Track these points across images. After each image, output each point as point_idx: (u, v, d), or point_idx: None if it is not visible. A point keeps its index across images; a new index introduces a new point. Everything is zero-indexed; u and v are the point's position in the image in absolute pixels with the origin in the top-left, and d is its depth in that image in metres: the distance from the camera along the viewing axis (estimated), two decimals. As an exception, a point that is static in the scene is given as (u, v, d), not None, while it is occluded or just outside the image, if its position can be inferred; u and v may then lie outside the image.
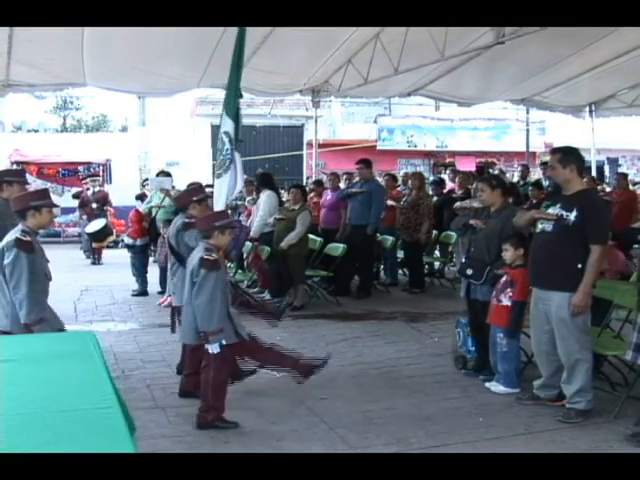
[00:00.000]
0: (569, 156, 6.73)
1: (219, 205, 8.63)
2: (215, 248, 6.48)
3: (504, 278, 7.40)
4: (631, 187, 16.71)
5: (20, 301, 5.97)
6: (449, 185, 16.78)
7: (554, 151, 6.93)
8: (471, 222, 7.99)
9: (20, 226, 6.13)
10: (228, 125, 8.73)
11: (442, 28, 10.82)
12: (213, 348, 6.23)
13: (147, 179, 17.83)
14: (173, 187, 13.45)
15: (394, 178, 15.85)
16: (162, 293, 12.44)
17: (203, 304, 6.19)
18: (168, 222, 12.12)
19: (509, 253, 7.39)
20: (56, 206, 6.68)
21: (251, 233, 12.14)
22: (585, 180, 7.09)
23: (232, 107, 8.78)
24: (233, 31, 11.05)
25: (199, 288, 6.22)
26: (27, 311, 5.99)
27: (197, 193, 8.04)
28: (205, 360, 6.47)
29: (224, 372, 6.50)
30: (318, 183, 15.60)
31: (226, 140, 8.70)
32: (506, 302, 7.30)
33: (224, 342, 6.25)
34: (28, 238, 6.09)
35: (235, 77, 9.02)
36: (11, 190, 7.52)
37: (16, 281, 5.98)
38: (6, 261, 5.94)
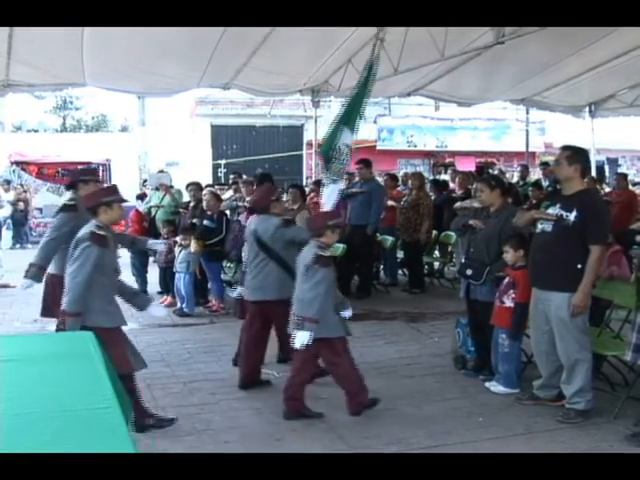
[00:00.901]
0: (577, 155, 6.75)
1: (327, 207, 9.44)
2: (326, 246, 6.85)
3: (506, 279, 7.41)
4: (631, 187, 16.70)
5: (71, 288, 6.09)
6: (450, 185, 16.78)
7: (564, 148, 6.94)
8: (470, 222, 8.00)
9: (94, 221, 6.34)
10: (349, 138, 9.37)
11: (442, 28, 10.81)
12: (302, 337, 6.52)
13: (147, 179, 17.85)
14: (172, 186, 13.44)
15: (394, 178, 15.83)
16: (162, 293, 12.44)
17: (310, 294, 6.61)
18: (168, 222, 12.15)
19: (509, 255, 7.39)
20: (126, 201, 7.06)
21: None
22: (585, 180, 7.09)
23: (353, 124, 9.48)
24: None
25: (310, 281, 6.66)
26: (71, 300, 6.09)
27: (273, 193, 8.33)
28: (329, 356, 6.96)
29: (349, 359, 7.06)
30: (318, 183, 15.58)
31: (347, 151, 9.27)
32: (509, 303, 7.31)
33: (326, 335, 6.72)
34: (103, 232, 6.31)
35: (361, 100, 9.85)
36: (87, 189, 7.87)
37: (77, 268, 6.10)
38: (80, 247, 6.14)
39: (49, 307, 7.87)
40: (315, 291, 6.61)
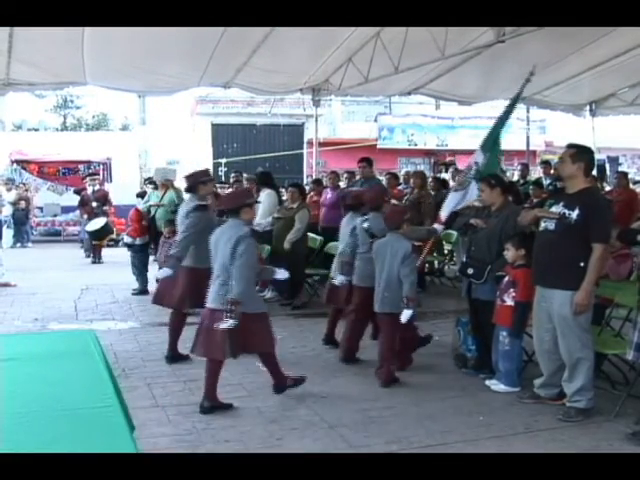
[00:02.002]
0: (582, 154, 6.75)
1: (444, 211, 9.95)
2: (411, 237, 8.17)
3: (507, 278, 7.41)
4: (631, 186, 16.69)
5: (241, 280, 6.72)
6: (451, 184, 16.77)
7: (569, 146, 6.95)
8: (471, 222, 7.99)
9: (239, 221, 6.99)
10: (480, 157, 9.81)
11: (442, 27, 10.81)
12: (408, 314, 7.65)
13: (148, 178, 17.85)
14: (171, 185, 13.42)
15: (395, 177, 15.83)
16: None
17: (412, 277, 7.75)
18: (169, 222, 12.13)
19: (510, 253, 7.39)
20: (258, 202, 7.86)
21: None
22: (588, 179, 7.09)
23: (489, 147, 9.95)
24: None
25: (410, 266, 7.77)
26: (240, 291, 6.69)
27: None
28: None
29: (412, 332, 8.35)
30: (318, 182, 15.59)
31: (474, 168, 9.75)
32: (510, 302, 7.31)
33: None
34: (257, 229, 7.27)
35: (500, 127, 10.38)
36: (206, 189, 8.76)
37: (244, 262, 6.74)
38: (241, 247, 6.72)
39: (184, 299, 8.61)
40: (414, 274, 7.84)
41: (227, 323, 6.62)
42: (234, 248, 6.74)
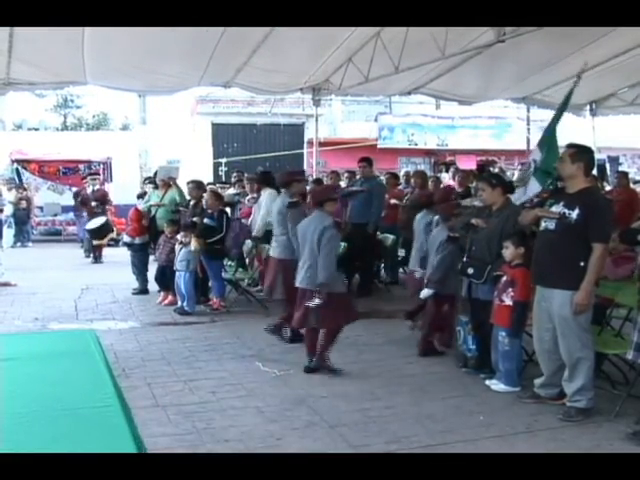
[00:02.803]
0: (581, 154, 6.77)
1: None
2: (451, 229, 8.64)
3: (505, 278, 7.41)
4: (632, 186, 16.68)
5: (328, 265, 7.85)
6: (450, 184, 16.77)
7: (569, 145, 6.96)
8: (472, 221, 7.99)
9: (323, 213, 8.09)
10: (537, 155, 10.35)
11: (442, 27, 10.81)
12: (427, 292, 8.70)
13: (148, 178, 17.83)
14: (171, 184, 13.39)
15: (395, 177, 15.86)
16: (160, 291, 12.43)
17: (444, 263, 8.50)
18: (171, 222, 12.14)
19: (509, 251, 7.39)
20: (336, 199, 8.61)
21: (254, 232, 12.13)
22: (588, 179, 7.10)
23: (547, 144, 10.36)
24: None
25: (442, 253, 8.54)
26: (326, 276, 7.82)
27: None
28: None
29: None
30: (318, 181, 15.59)
31: (532, 165, 10.31)
32: (508, 302, 7.30)
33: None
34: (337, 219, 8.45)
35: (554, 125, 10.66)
36: (299, 187, 9.62)
37: (330, 250, 7.91)
38: (326, 237, 7.85)
39: (274, 287, 9.48)
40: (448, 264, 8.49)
41: (315, 302, 7.85)
42: (320, 237, 7.85)
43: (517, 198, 9.77)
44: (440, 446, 6.03)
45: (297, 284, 8.25)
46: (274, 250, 9.66)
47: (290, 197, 9.42)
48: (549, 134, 10.47)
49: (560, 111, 10.91)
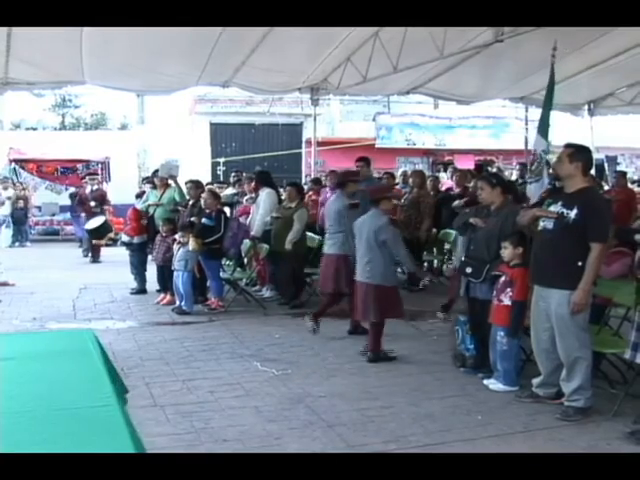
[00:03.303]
0: (579, 153, 6.77)
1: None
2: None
3: (503, 278, 7.41)
4: (629, 185, 16.71)
5: (403, 257, 8.81)
6: (448, 183, 16.81)
7: (567, 145, 6.96)
8: (471, 221, 7.99)
9: (379, 211, 8.65)
10: (540, 144, 10.60)
11: (441, 27, 10.82)
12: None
13: (146, 177, 17.82)
14: (168, 183, 13.38)
15: (392, 177, 15.90)
16: (160, 291, 12.44)
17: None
18: (167, 220, 12.13)
19: (508, 251, 7.39)
20: (397, 197, 9.23)
21: (252, 232, 12.14)
22: (586, 178, 7.11)
23: (542, 131, 10.77)
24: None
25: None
26: (410, 265, 9.21)
27: None
28: None
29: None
30: (316, 181, 15.61)
31: (541, 155, 10.46)
32: (507, 302, 7.31)
33: None
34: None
35: (548, 109, 11.22)
36: (354, 187, 10.07)
37: (397, 246, 8.56)
38: (385, 236, 8.45)
39: (336, 281, 9.89)
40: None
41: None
42: (377, 236, 8.41)
43: (534, 192, 9.99)
44: (438, 445, 6.03)
45: (357, 278, 8.79)
46: (331, 247, 10.08)
47: (348, 197, 10.00)
48: (544, 119, 10.94)
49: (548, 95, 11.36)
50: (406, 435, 6.27)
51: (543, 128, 10.69)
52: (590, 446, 6.02)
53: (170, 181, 13.28)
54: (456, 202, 12.42)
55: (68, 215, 23.84)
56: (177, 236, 11.47)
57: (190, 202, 12.35)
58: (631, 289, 6.65)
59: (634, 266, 7.42)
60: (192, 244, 11.14)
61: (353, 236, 9.05)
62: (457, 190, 14.18)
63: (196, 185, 12.55)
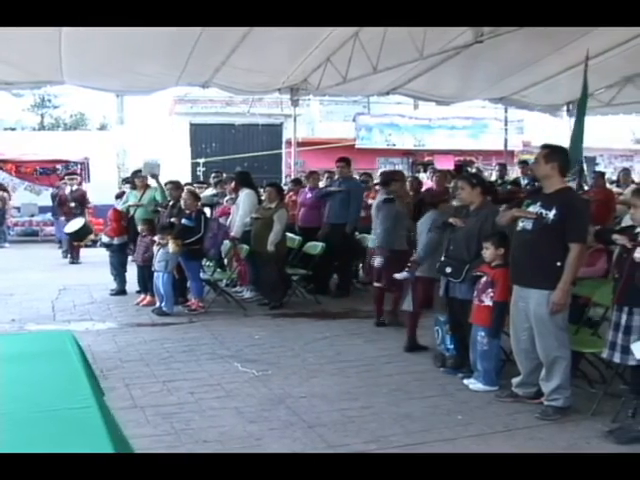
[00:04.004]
0: (555, 154, 6.79)
1: None
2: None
3: (484, 278, 7.43)
4: (608, 186, 16.76)
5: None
6: (427, 184, 16.83)
7: (543, 146, 7.01)
8: (450, 220, 8.01)
9: (437, 212, 8.91)
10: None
11: (421, 27, 10.84)
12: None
13: (126, 178, 17.76)
14: (149, 184, 13.34)
15: (370, 177, 16.04)
16: (140, 292, 12.40)
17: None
18: (146, 220, 12.08)
19: (489, 251, 7.41)
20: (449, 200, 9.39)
21: (232, 232, 12.12)
22: (564, 179, 7.15)
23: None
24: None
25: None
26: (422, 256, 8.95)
27: None
28: None
29: None
30: (296, 182, 15.61)
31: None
32: (488, 302, 7.32)
33: None
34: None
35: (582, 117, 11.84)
36: (396, 185, 10.41)
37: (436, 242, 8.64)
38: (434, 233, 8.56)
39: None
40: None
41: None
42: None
43: None
44: (419, 445, 6.04)
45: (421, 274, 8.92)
46: (374, 241, 10.72)
47: (387, 194, 10.42)
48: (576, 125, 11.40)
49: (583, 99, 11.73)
50: (387, 435, 6.28)
51: (579, 136, 11.22)
52: (569, 445, 6.05)
53: (151, 181, 13.24)
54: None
55: (48, 216, 23.74)
56: (157, 237, 11.42)
57: (170, 203, 12.31)
58: (610, 289, 6.68)
59: (611, 266, 7.46)
60: (172, 246, 11.10)
61: (390, 229, 10.05)
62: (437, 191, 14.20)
63: (176, 186, 12.51)
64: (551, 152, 6.82)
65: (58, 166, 24.36)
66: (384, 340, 9.64)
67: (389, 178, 10.68)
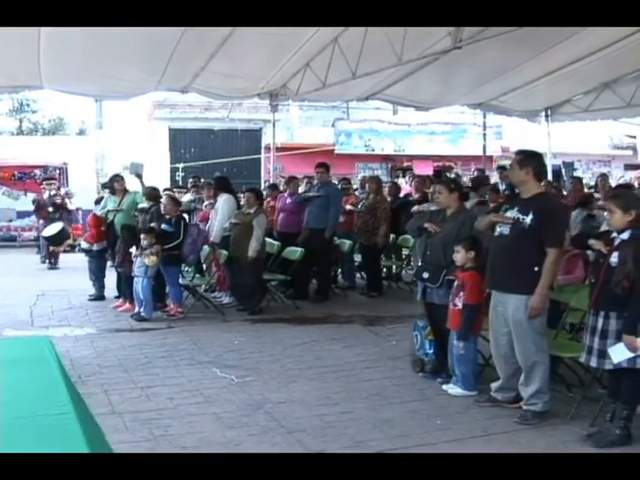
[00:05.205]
0: (529, 159, 6.83)
1: None
2: None
3: (457, 282, 7.46)
4: (586, 191, 16.85)
5: None
6: (406, 189, 16.90)
7: (517, 152, 7.06)
8: (426, 225, 8.02)
9: None
10: None
11: (400, 32, 10.87)
12: None
13: (104, 183, 17.69)
14: (128, 189, 13.30)
15: (349, 182, 16.12)
16: (119, 297, 12.36)
17: None
18: (126, 227, 12.03)
19: (460, 255, 7.44)
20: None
21: (211, 237, 12.11)
22: (543, 184, 7.18)
23: None
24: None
25: None
26: None
27: None
28: None
29: None
30: (273, 187, 15.62)
31: None
32: (461, 306, 7.35)
33: None
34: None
35: None
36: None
37: None
38: None
39: None
40: None
41: None
42: None
43: None
44: (398, 450, 6.04)
45: None
46: None
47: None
48: None
49: None
50: (366, 440, 6.28)
51: None
52: (548, 449, 6.07)
53: (133, 182, 13.23)
54: (415, 207, 12.47)
55: (26, 221, 23.61)
56: (143, 242, 11.28)
57: (149, 208, 12.26)
58: (586, 293, 6.71)
59: (587, 271, 7.50)
60: (149, 260, 11.03)
61: None
62: (416, 196, 14.25)
63: (154, 191, 12.51)
64: (525, 158, 6.85)
65: (37, 171, 24.24)
66: (363, 345, 9.65)
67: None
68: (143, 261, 11.11)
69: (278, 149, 19.67)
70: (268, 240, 12.31)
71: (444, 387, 7.65)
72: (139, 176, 13.13)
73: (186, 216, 13.39)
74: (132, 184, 13.70)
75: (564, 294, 7.50)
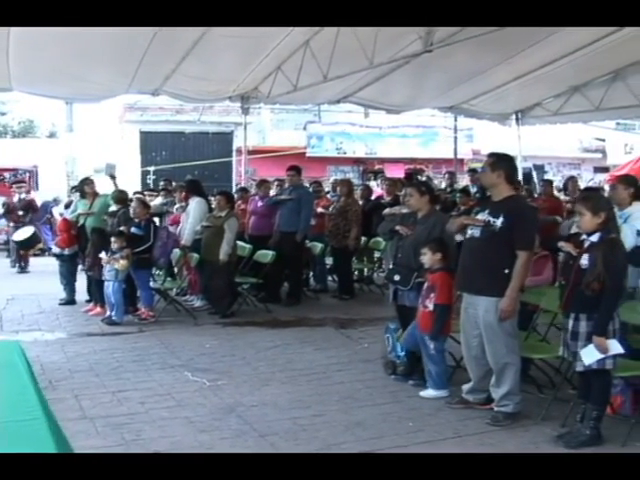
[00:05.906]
0: (500, 162, 6.88)
1: None
2: None
3: (426, 284, 7.48)
4: (556, 193, 16.97)
5: None
6: (378, 192, 16.93)
7: (489, 155, 7.10)
8: (397, 228, 8.04)
9: None
10: None
11: (371, 35, 10.89)
12: None
13: (74, 187, 17.59)
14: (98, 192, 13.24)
15: (320, 185, 16.16)
16: (90, 301, 12.30)
17: None
18: (96, 230, 11.96)
19: (427, 257, 7.47)
20: None
21: (182, 241, 12.08)
22: (512, 187, 7.23)
23: None
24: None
25: None
26: None
27: None
28: None
29: None
30: (244, 190, 15.62)
31: None
32: (431, 307, 7.37)
33: None
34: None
35: None
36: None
37: None
38: None
39: None
40: None
41: None
42: None
43: None
44: (370, 452, 6.05)
45: None
46: None
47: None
48: None
49: None
50: (338, 443, 6.28)
51: None
52: (519, 450, 6.10)
53: (106, 183, 13.18)
54: (387, 210, 12.49)
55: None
56: (113, 245, 11.22)
57: (118, 211, 12.20)
58: (556, 295, 6.75)
59: (557, 272, 7.55)
60: (119, 264, 10.98)
61: None
62: (388, 198, 14.28)
63: (123, 194, 12.48)
64: (496, 160, 6.90)
65: (6, 174, 24.06)
66: (335, 348, 9.66)
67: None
68: (113, 266, 11.06)
69: (250, 152, 19.67)
70: (239, 243, 12.29)
71: (422, 394, 7.63)
72: (113, 177, 13.08)
73: (156, 219, 13.35)
74: (103, 186, 13.64)
75: (533, 296, 7.54)
